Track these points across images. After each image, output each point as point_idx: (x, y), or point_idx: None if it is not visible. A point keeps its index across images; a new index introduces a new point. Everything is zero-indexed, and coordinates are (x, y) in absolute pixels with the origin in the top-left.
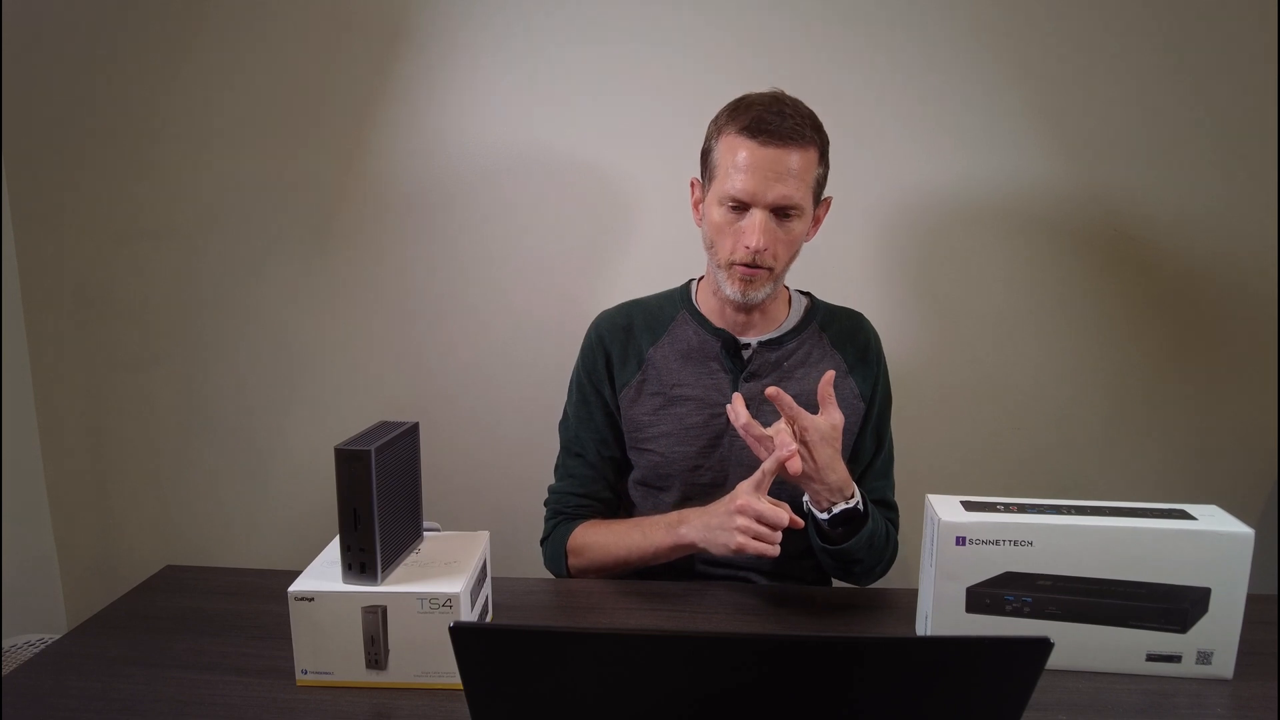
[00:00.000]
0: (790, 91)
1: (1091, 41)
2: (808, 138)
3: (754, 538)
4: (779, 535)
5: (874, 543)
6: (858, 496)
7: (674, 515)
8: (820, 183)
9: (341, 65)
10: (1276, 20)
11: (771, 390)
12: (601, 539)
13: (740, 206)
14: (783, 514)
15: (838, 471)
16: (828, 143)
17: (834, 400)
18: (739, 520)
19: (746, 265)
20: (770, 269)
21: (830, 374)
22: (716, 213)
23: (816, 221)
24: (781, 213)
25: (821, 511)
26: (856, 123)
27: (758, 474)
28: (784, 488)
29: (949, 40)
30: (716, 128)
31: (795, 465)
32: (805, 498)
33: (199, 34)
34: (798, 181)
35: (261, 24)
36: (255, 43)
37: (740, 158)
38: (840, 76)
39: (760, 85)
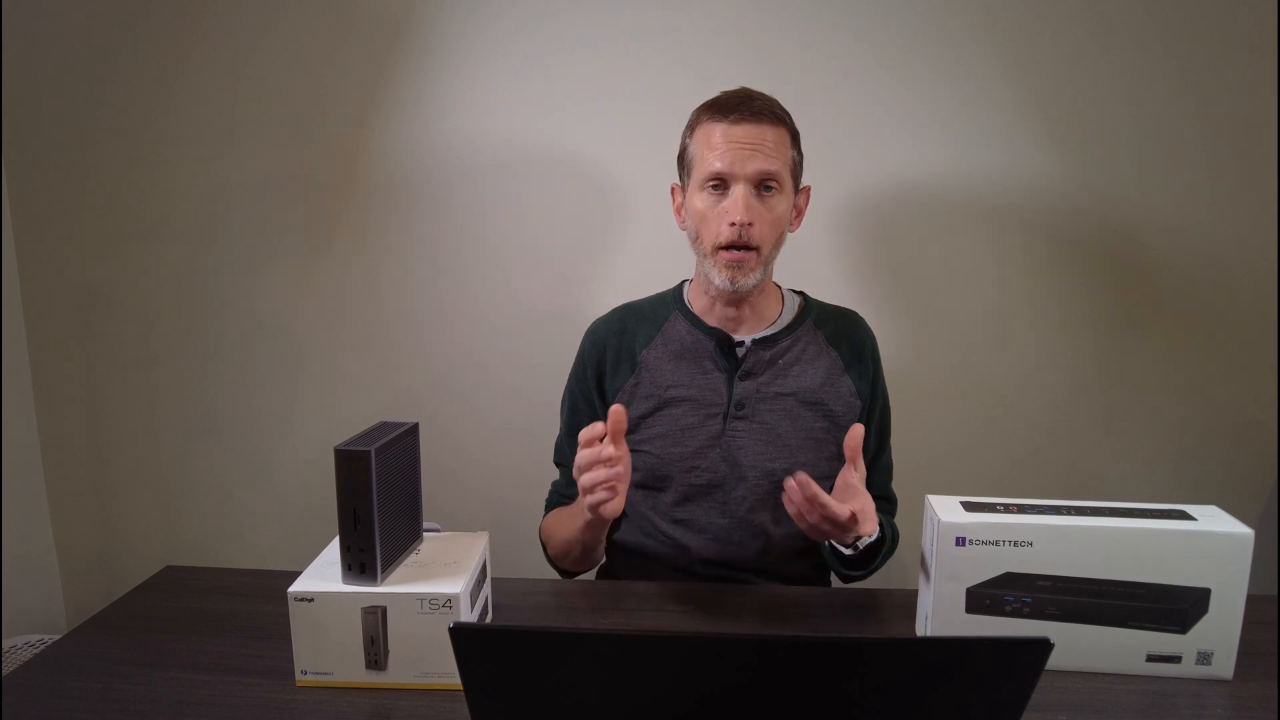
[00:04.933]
0: (786, 87)
1: (1087, 37)
2: (779, 117)
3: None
4: (610, 477)
5: (886, 552)
6: (876, 527)
7: None
8: (796, 166)
9: (341, 66)
10: (1276, 18)
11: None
12: (552, 523)
13: (721, 186)
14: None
15: (872, 518)
16: (798, 133)
17: (860, 457)
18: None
19: (732, 248)
20: (757, 250)
21: (859, 428)
22: (699, 200)
23: (799, 212)
24: (763, 187)
25: (848, 548)
26: (851, 120)
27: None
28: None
29: (942, 37)
30: (690, 126)
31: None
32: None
33: (199, 34)
34: (774, 155)
35: (261, 25)
36: (255, 43)
37: (716, 139)
38: (836, 74)
39: (758, 83)
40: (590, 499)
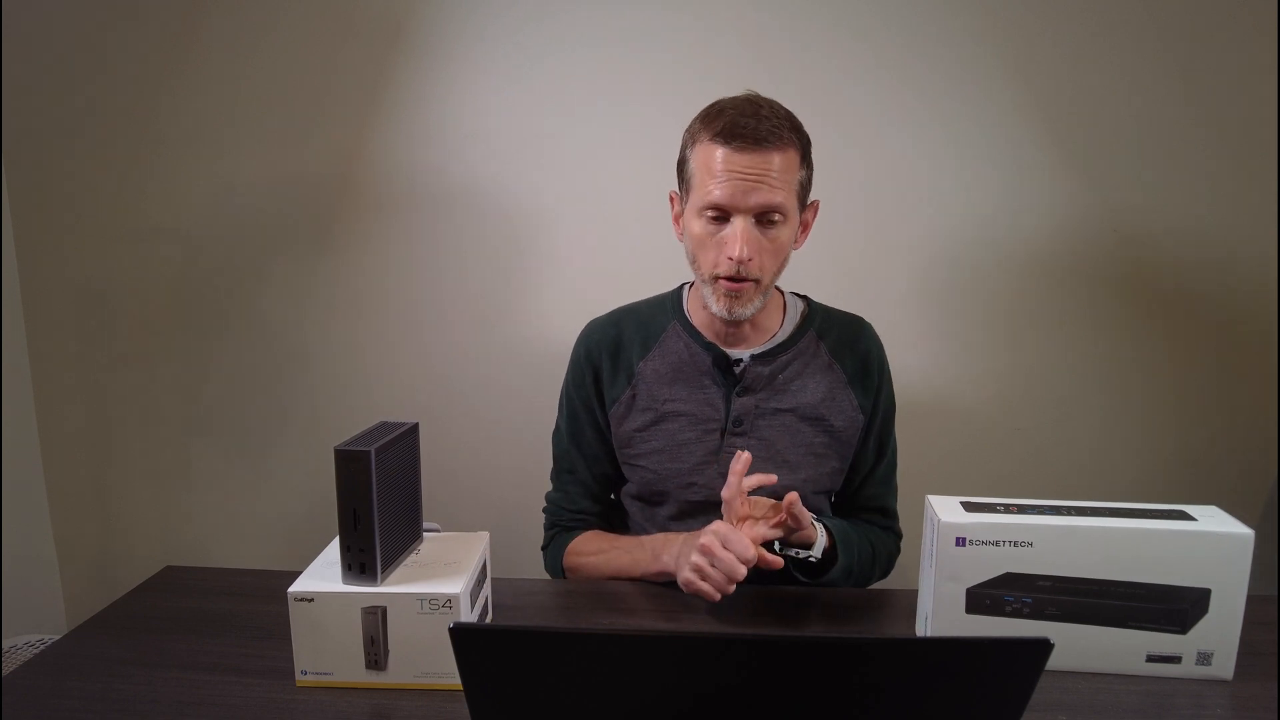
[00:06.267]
0: (786, 88)
1: (1087, 37)
2: (786, 139)
3: (702, 579)
4: (730, 587)
5: (853, 569)
6: (815, 554)
7: (660, 539)
8: (805, 186)
9: (341, 66)
10: (1276, 18)
11: (791, 497)
12: (594, 558)
13: (721, 216)
14: (744, 558)
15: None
16: (809, 143)
17: (801, 511)
18: (695, 558)
19: (731, 279)
20: (756, 281)
21: (794, 495)
22: (696, 225)
23: (805, 227)
24: (765, 219)
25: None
26: (851, 120)
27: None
28: None
29: (942, 37)
30: (691, 136)
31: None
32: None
33: (200, 34)
34: (779, 185)
35: (261, 25)
36: (255, 43)
37: (717, 165)
38: (836, 74)
39: (757, 84)
40: (691, 581)
